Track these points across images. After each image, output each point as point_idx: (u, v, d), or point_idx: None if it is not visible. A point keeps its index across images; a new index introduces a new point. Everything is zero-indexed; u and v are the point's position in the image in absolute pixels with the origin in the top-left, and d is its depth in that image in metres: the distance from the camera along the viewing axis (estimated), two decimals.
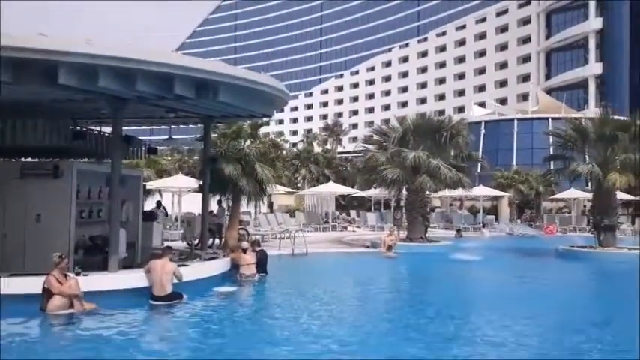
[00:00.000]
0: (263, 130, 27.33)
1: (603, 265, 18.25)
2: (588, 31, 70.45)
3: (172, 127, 15.86)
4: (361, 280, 14.17)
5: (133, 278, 10.07)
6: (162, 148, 39.44)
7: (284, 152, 48.44)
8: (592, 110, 46.87)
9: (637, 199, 31.76)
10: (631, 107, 49.82)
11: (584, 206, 34.90)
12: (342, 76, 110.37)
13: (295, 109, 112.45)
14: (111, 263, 10.10)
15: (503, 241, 26.74)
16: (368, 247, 21.04)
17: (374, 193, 31.21)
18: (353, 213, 36.23)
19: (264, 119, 16.61)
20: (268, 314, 9.95)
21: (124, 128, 11.44)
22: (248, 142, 17.19)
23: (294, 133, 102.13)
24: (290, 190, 35.95)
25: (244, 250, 12.85)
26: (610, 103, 56.98)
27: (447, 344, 7.83)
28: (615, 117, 21.76)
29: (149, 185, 22.89)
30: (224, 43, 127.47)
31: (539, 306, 10.75)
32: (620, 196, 29.20)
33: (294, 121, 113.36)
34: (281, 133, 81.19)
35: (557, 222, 34.10)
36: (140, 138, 13.73)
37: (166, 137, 16.86)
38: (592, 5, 70.05)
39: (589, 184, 24.01)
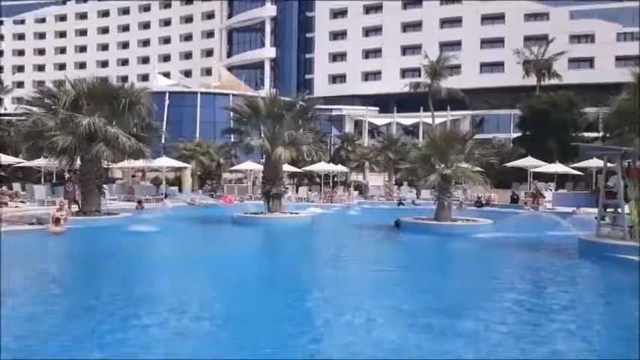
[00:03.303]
0: None
1: (269, 228, 20.53)
2: (265, 16, 77.07)
3: None
4: (14, 263, 12.15)
5: None
6: None
7: None
8: (267, 90, 51.61)
9: (300, 170, 36.53)
10: (298, 89, 57.04)
11: (255, 177, 38.41)
12: (1, 23, 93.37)
13: None
14: None
15: (184, 211, 27.24)
16: (33, 223, 18.40)
17: (44, 162, 27.49)
18: (17, 186, 31.23)
19: None
20: None
21: None
22: None
23: None
24: None
25: None
26: (280, 84, 63.92)
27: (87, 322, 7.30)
28: (284, 97, 24.33)
29: None
30: None
31: (206, 270, 11.46)
32: (287, 168, 33.17)
33: None
34: None
35: (235, 191, 36.58)
36: None
37: None
38: None
39: (263, 156, 26.26)
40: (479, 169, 22.39)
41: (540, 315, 8.13)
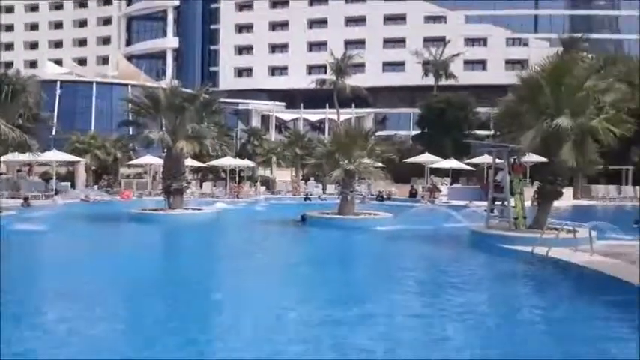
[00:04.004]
0: None
1: (169, 225, 19.86)
2: (167, 5, 73.99)
3: None
4: None
5: None
6: None
7: None
8: (169, 81, 49.71)
9: (204, 165, 35.57)
10: (202, 81, 55.55)
11: (156, 172, 36.88)
12: None
13: None
14: None
15: (77, 208, 25.56)
16: None
17: None
18: None
19: None
20: None
21: None
22: None
23: None
24: None
25: None
26: (183, 76, 61.92)
27: None
28: (186, 89, 23.52)
29: None
30: None
31: (91, 271, 10.73)
32: (190, 162, 32.17)
33: None
34: None
35: (134, 187, 34.89)
36: None
37: None
38: None
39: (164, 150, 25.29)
40: (380, 164, 23.08)
41: (432, 303, 8.50)
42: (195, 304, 8.39)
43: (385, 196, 32.42)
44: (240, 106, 61.54)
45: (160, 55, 74.37)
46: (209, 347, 6.44)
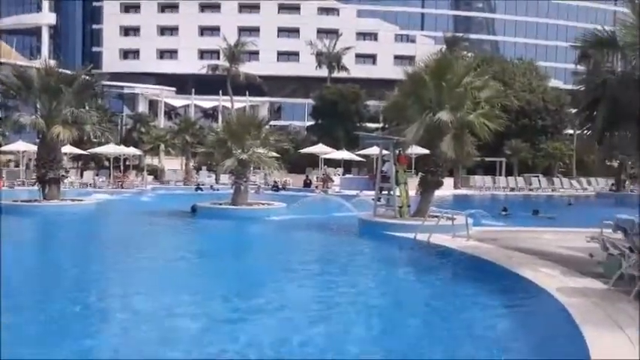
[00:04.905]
0: None
1: (44, 217, 18.34)
2: None
3: None
4: None
5: None
6: None
7: None
8: (44, 60, 45.58)
9: (85, 152, 33.21)
10: (83, 61, 51.64)
11: (30, 160, 33.86)
12: None
13: None
14: None
15: None
16: None
17: None
18: None
19: None
20: None
21: None
22: None
23: None
24: None
25: None
26: (62, 55, 57.23)
27: None
28: (65, 70, 21.67)
29: None
30: None
31: None
32: (70, 149, 29.92)
33: None
34: None
35: (4, 176, 31.75)
36: None
37: None
38: None
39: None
40: (275, 154, 22.98)
41: (316, 289, 8.63)
42: (63, 307, 7.71)
43: (280, 186, 32.50)
44: (126, 90, 58.24)
45: (34, 32, 68.07)
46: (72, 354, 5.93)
